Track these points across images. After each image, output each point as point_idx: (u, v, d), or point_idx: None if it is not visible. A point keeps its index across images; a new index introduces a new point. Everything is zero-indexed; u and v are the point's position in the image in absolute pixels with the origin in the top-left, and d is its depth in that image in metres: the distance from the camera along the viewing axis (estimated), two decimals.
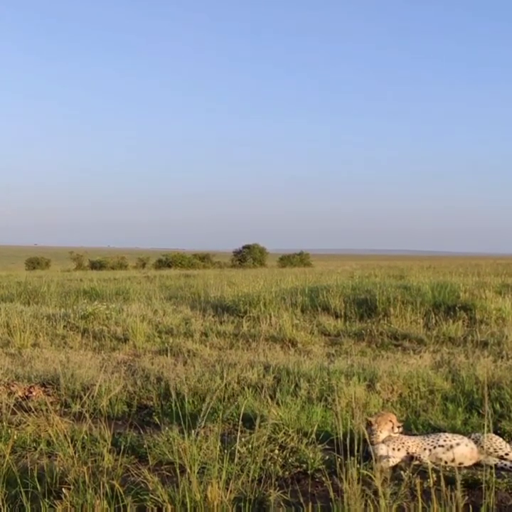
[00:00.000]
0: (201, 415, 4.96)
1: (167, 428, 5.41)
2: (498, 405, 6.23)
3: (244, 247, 66.62)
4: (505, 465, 4.88)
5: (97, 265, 59.76)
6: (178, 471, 4.22)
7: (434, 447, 4.96)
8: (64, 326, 12.42)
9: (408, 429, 5.64)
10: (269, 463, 4.82)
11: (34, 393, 7.17)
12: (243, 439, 4.96)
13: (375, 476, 3.74)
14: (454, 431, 5.52)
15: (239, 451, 4.77)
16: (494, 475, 4.31)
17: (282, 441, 5.23)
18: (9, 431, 5.51)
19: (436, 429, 5.69)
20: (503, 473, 4.73)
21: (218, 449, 4.59)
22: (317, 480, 4.68)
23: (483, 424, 4.92)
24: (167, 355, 9.26)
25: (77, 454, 4.68)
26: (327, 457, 4.95)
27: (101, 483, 3.99)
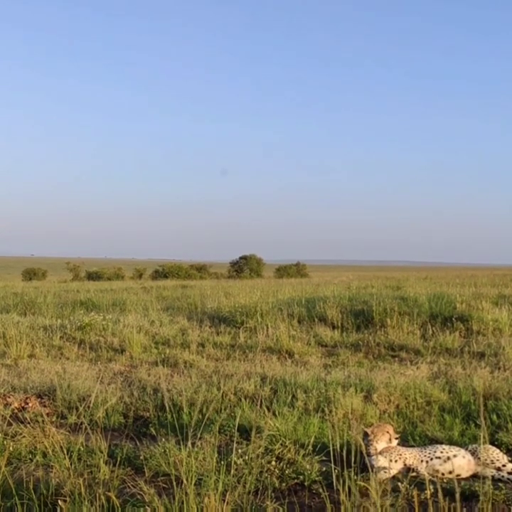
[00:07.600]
0: (198, 427, 4.95)
1: (163, 439, 5.40)
2: (495, 416, 6.23)
3: (241, 258, 66.65)
4: (503, 476, 4.87)
5: (93, 276, 59.63)
6: (174, 482, 4.20)
7: (431, 459, 4.96)
8: (60, 337, 12.41)
9: (405, 441, 5.64)
10: (266, 474, 4.81)
11: (30, 404, 7.14)
12: (240, 451, 4.95)
13: (372, 488, 3.74)
14: (451, 442, 5.51)
15: (235, 463, 4.76)
16: (491, 486, 4.31)
17: (279, 453, 5.22)
18: (5, 442, 5.49)
19: (434, 441, 5.69)
20: (500, 484, 4.72)
21: (215, 460, 4.57)
22: (314, 492, 4.67)
23: (480, 436, 4.92)
24: (164, 366, 9.24)
25: (73, 466, 4.66)
26: (324, 469, 4.94)
27: (97, 495, 3.98)
